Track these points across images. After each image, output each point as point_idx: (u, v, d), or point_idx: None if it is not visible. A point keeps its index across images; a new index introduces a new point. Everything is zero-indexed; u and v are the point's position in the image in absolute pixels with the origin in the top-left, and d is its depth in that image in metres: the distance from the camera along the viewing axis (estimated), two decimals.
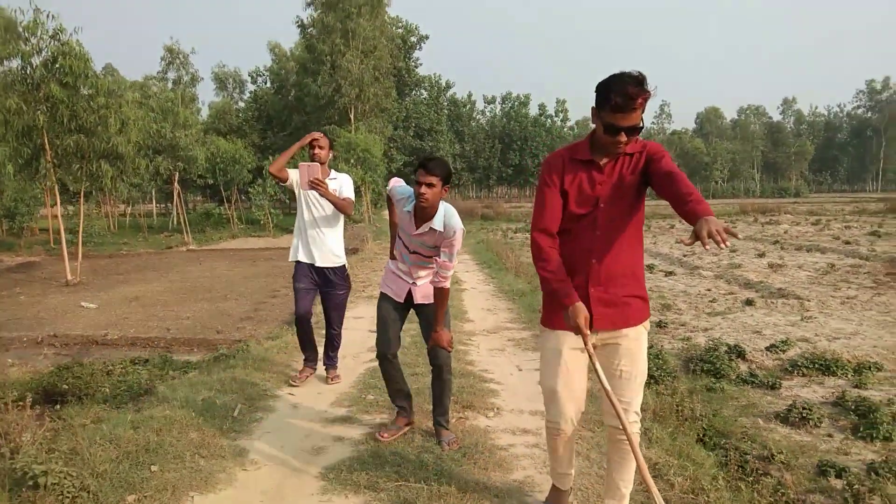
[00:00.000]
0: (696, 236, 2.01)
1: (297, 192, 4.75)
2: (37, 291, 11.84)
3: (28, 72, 12.15)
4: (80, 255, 13.04)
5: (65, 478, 2.78)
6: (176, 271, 14.58)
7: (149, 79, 33.84)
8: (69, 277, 12.50)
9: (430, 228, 3.35)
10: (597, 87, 2.37)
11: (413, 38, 46.47)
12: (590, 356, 2.40)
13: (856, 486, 3.53)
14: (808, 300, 9.45)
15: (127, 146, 12.67)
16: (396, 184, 3.71)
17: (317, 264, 4.73)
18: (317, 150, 4.61)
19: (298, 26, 34.68)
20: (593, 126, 2.45)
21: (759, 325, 7.91)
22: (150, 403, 4.28)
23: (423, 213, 3.34)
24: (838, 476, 3.77)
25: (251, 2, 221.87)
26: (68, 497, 2.74)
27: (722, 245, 1.99)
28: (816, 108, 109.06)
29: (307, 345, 5.01)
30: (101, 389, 5.01)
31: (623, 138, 2.33)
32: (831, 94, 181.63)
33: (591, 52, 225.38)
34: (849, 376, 5.76)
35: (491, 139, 68.79)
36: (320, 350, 5.11)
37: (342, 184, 4.74)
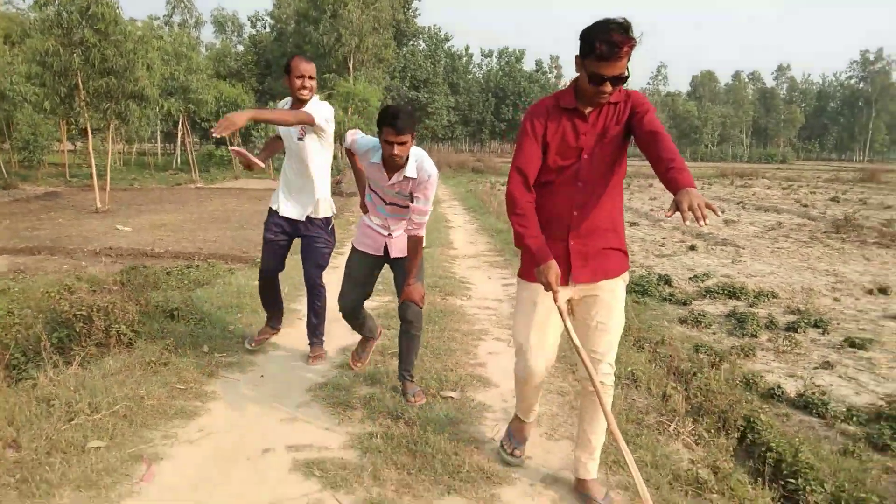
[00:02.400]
0: (677, 207, 1.98)
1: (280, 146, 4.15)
2: (71, 217, 13.28)
3: (63, 17, 13.31)
4: (108, 186, 14.47)
5: (191, 311, 4.38)
6: (191, 205, 16.03)
7: (153, 19, 34.58)
8: (98, 205, 13.94)
9: (405, 177, 3.23)
10: (581, 35, 2.29)
11: None
12: (560, 313, 2.39)
13: (715, 357, 5.17)
14: (744, 248, 11.12)
15: (152, 88, 13.98)
16: (355, 135, 3.48)
17: (287, 215, 4.03)
18: (304, 81, 3.73)
19: None
20: (577, 74, 2.39)
21: (695, 265, 9.56)
22: (217, 286, 5.87)
23: (394, 163, 3.20)
24: (706, 353, 5.42)
25: None
26: (195, 318, 4.37)
27: (701, 222, 1.93)
28: (809, 75, 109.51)
29: (269, 303, 4.34)
30: (169, 283, 6.51)
31: (608, 88, 2.28)
32: (828, 63, 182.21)
33: (587, 12, 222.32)
34: (749, 301, 7.43)
35: (485, 93, 69.45)
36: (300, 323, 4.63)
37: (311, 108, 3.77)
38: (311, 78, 3.71)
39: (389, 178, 3.26)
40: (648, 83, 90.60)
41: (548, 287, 2.36)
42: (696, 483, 2.79)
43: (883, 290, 7.96)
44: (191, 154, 25.50)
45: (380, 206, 3.47)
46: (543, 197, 2.51)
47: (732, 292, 7.64)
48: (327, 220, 4.09)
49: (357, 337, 4.07)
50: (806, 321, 6.38)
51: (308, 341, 4.22)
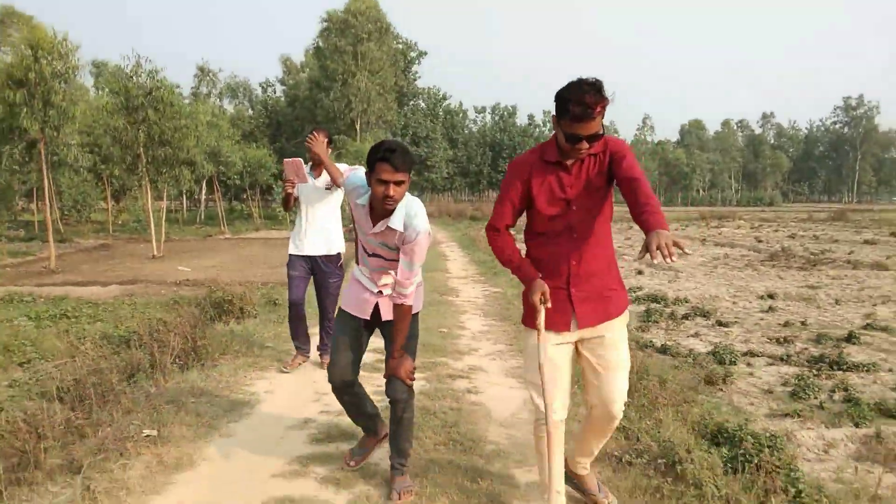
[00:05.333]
0: (646, 248, 2.07)
1: (295, 191, 5.00)
2: (136, 262, 16.09)
3: (130, 101, 16.43)
4: (163, 236, 17.38)
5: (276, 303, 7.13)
6: (227, 251, 18.87)
7: (175, 87, 38.27)
8: (155, 252, 16.79)
9: (388, 227, 2.80)
10: (555, 96, 2.37)
11: (413, 54, 51.07)
12: (538, 347, 2.48)
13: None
14: (682, 272, 13.87)
15: (200, 157, 17.00)
16: (351, 170, 3.31)
17: (307, 253, 5.05)
18: (315, 140, 4.80)
19: (314, 49, 39.17)
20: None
21: (638, 284, 12.27)
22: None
23: (383, 208, 2.77)
24: None
25: (260, 18, 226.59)
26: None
27: (668, 259, 2.01)
28: (795, 122, 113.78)
29: (299, 331, 5.27)
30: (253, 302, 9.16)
31: (584, 146, 2.36)
32: (810, 110, 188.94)
33: (576, 68, 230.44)
34: (667, 304, 10.10)
35: (482, 146, 73.18)
36: (314, 340, 5.45)
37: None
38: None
39: (374, 226, 2.83)
40: (637, 133, 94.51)
41: (532, 305, 2.49)
42: None
43: (771, 296, 10.66)
44: (220, 209, 28.67)
45: (364, 256, 3.08)
46: (540, 247, 2.62)
47: (655, 298, 10.35)
48: (338, 256, 5.13)
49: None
50: (696, 313, 9.08)
51: (318, 353, 5.35)
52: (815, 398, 5.44)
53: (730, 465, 3.44)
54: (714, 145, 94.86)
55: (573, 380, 2.76)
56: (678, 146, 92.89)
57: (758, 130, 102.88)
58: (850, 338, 7.49)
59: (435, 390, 4.67)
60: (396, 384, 2.94)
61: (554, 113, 2.41)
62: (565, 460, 2.84)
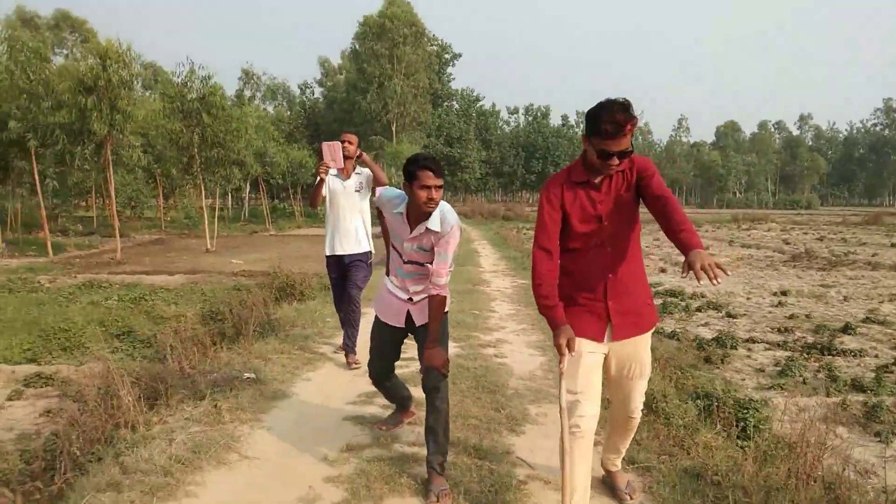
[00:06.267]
0: (690, 268, 2.18)
1: (324, 190, 5.12)
2: (192, 255, 17.38)
3: (184, 106, 17.74)
4: (216, 233, 18.69)
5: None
6: (274, 246, 20.06)
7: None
8: (209, 247, 18.08)
9: (427, 229, 3.09)
10: (586, 116, 2.53)
11: (447, 56, 52.16)
12: (560, 375, 2.59)
13: None
14: None
15: (249, 157, 18.28)
16: (382, 189, 3.49)
17: (339, 253, 5.18)
18: (346, 145, 4.96)
19: (351, 52, 40.51)
20: (584, 150, 2.60)
21: (659, 280, 13.04)
22: None
23: (419, 213, 3.08)
24: None
25: (296, 19, 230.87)
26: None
27: (714, 281, 2.15)
28: (835, 123, 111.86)
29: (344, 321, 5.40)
30: (311, 286, 10.14)
31: (615, 162, 2.49)
32: (849, 112, 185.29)
33: (610, 69, 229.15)
34: (684, 298, 10.89)
35: (515, 147, 73.80)
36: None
37: (366, 176, 5.15)
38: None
39: (412, 231, 3.14)
40: (672, 134, 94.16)
41: (560, 350, 2.57)
42: None
43: (784, 293, 11.36)
44: (265, 207, 30.21)
45: (398, 266, 3.34)
46: (576, 262, 2.71)
47: (673, 293, 11.15)
48: (368, 254, 5.26)
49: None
50: (710, 306, 9.88)
51: (343, 351, 5.33)
52: (801, 376, 6.25)
53: (703, 413, 4.32)
54: (750, 147, 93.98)
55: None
56: (713, 148, 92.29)
57: (795, 132, 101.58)
58: (847, 329, 8.24)
59: (468, 355, 5.64)
60: (432, 374, 3.11)
61: (584, 133, 2.57)
62: (601, 459, 3.17)
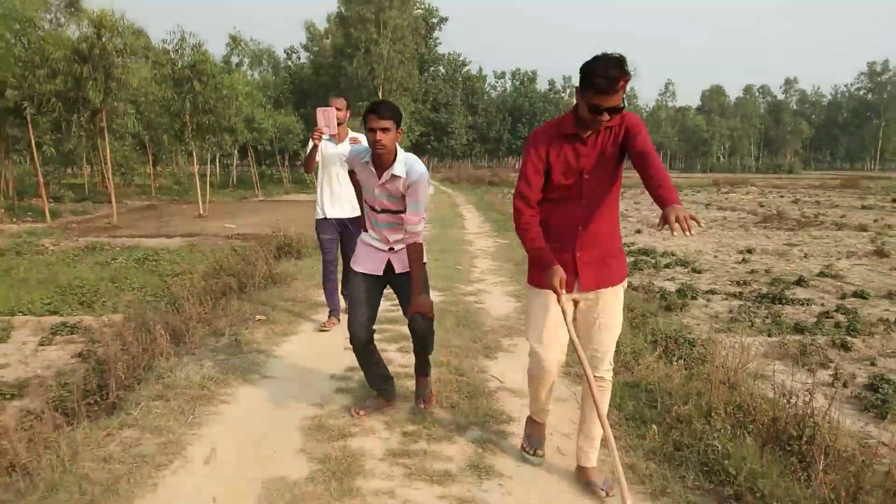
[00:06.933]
0: (665, 221, 2.23)
1: (317, 155, 5.12)
2: (186, 219, 17.89)
3: (176, 73, 18.06)
4: (208, 198, 19.18)
5: None
6: (264, 212, 20.56)
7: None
8: (201, 212, 18.59)
9: (392, 175, 3.23)
10: (580, 69, 2.51)
11: (433, 20, 51.99)
12: (563, 313, 2.67)
13: None
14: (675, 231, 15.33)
15: (240, 124, 18.69)
16: (350, 148, 3.64)
17: (335, 216, 5.21)
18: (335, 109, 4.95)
19: (337, 16, 40.35)
20: (576, 103, 2.61)
21: (634, 241, 13.77)
22: None
23: (382, 160, 3.21)
24: None
25: None
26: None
27: (687, 233, 2.19)
28: (819, 87, 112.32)
29: (332, 293, 5.41)
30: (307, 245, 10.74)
31: (606, 117, 2.52)
32: (834, 75, 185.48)
33: (597, 35, 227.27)
34: (654, 256, 11.63)
35: (502, 112, 73.86)
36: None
37: (363, 141, 4.76)
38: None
39: (379, 178, 3.25)
40: (658, 99, 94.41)
41: (554, 289, 2.63)
42: None
43: (749, 251, 12.14)
44: (254, 173, 30.59)
45: (374, 218, 3.44)
46: (550, 212, 2.77)
47: (646, 252, 11.89)
48: (359, 218, 4.74)
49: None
50: (677, 263, 10.63)
51: (343, 297, 5.31)
52: (750, 322, 7.01)
53: (652, 347, 5.05)
54: (735, 111, 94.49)
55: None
56: (698, 112, 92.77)
57: (780, 96, 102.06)
58: (800, 282, 9.02)
59: (451, 301, 6.39)
60: (418, 319, 3.27)
61: (577, 85, 2.57)
62: (576, 454, 3.04)
